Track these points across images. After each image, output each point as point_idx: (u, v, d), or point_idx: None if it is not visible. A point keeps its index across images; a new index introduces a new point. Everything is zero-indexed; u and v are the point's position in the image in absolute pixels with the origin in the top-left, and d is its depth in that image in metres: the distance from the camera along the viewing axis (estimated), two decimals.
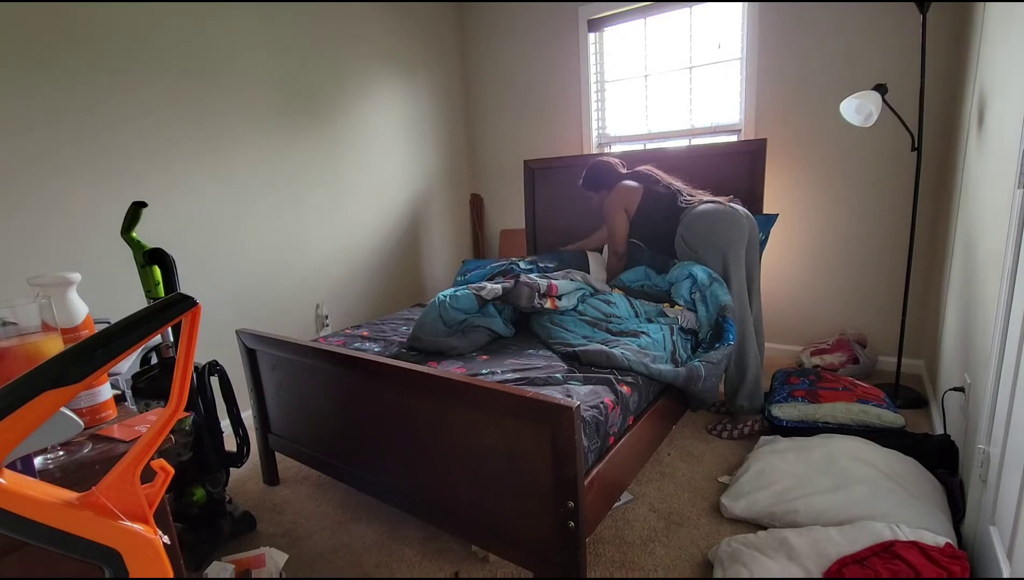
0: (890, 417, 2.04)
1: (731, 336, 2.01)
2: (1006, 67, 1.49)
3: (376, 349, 2.05)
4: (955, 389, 1.78)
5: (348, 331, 2.34)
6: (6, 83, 1.83)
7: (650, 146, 3.35)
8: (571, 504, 1.26)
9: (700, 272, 2.14)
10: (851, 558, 1.35)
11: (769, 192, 2.88)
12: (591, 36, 3.43)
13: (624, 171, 2.66)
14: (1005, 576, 1.16)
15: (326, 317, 3.04)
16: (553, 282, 2.20)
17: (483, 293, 2.13)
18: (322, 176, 2.98)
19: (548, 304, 2.12)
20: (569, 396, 1.49)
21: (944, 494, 1.63)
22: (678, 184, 2.51)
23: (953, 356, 1.95)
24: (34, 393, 0.54)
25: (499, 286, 2.17)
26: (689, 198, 2.41)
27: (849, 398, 2.14)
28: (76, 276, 1.08)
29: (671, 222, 2.39)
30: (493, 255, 4.12)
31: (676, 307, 2.21)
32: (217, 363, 1.76)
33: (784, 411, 2.17)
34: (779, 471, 1.77)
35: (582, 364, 1.78)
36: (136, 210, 1.62)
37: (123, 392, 1.42)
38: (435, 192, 3.81)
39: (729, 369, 2.22)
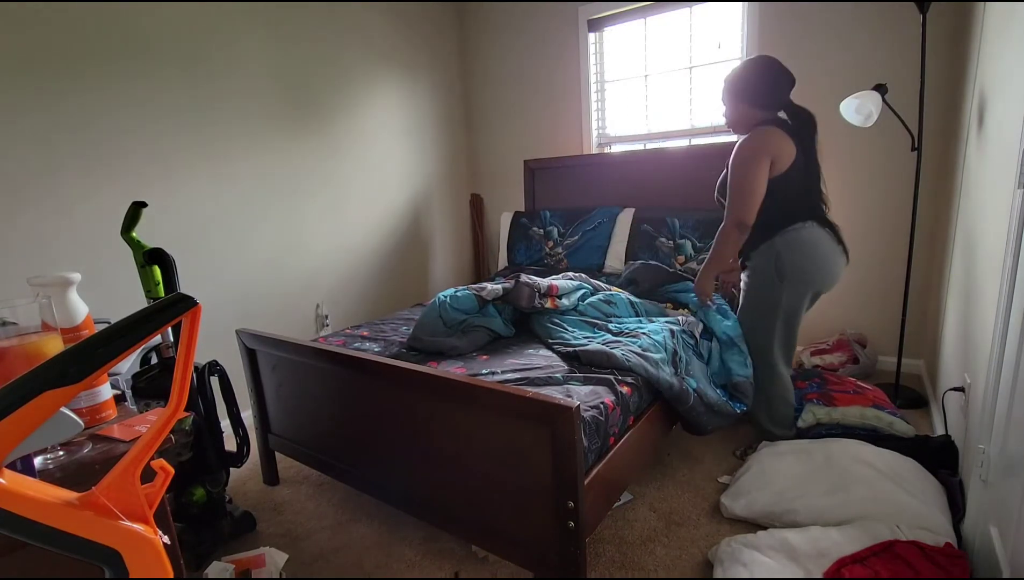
0: (902, 427, 2.00)
1: (738, 407, 1.92)
2: (1006, 67, 1.49)
3: (376, 349, 2.05)
4: (955, 389, 1.78)
5: (348, 331, 2.34)
6: (6, 83, 1.83)
7: (650, 146, 3.35)
8: (571, 504, 1.26)
9: (730, 331, 2.01)
10: (851, 558, 1.35)
11: None
12: (591, 36, 3.43)
13: (790, 99, 1.91)
14: (1005, 576, 1.16)
15: (326, 317, 3.04)
16: (553, 282, 2.20)
17: (483, 293, 2.13)
18: (322, 176, 2.98)
19: (548, 304, 2.11)
20: (569, 396, 1.49)
21: (944, 494, 1.63)
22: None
23: (953, 356, 1.95)
24: (34, 393, 0.54)
25: (499, 286, 2.17)
26: (824, 195, 1.93)
27: (864, 402, 2.11)
28: (76, 276, 1.08)
29: (773, 221, 1.87)
30: (493, 255, 4.12)
31: (681, 310, 2.20)
32: (217, 363, 1.76)
33: (803, 419, 2.11)
34: (779, 472, 1.77)
35: (582, 364, 1.78)
36: (136, 210, 1.63)
37: (123, 392, 1.42)
38: (435, 192, 3.81)
39: (760, 398, 2.04)
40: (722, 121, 2.04)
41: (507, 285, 2.16)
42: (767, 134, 1.84)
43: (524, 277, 2.19)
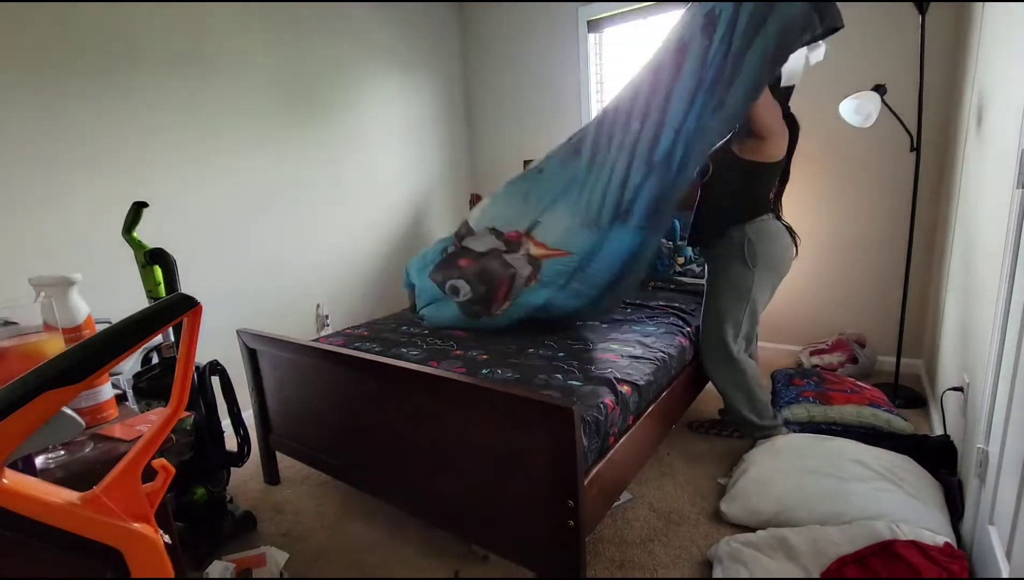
0: (899, 423, 2.02)
1: None
2: (1005, 67, 1.49)
3: (376, 349, 2.05)
4: (954, 389, 1.78)
5: (348, 331, 2.34)
6: (6, 82, 1.84)
7: None
8: (571, 504, 1.26)
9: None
10: (850, 557, 1.35)
11: None
12: (591, 37, 3.43)
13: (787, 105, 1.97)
14: (1004, 576, 1.16)
15: (326, 317, 3.04)
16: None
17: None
18: (323, 176, 2.98)
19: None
20: (569, 396, 1.49)
21: (942, 493, 1.63)
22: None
23: (952, 356, 1.95)
24: (35, 393, 0.54)
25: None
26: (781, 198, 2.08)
27: (860, 401, 2.12)
28: (77, 276, 1.08)
29: (747, 207, 1.94)
30: None
31: None
32: (218, 363, 1.76)
33: (794, 412, 2.15)
34: (776, 473, 1.76)
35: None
36: (137, 210, 1.63)
37: (124, 392, 1.42)
38: (435, 192, 3.81)
39: (733, 392, 2.09)
40: None
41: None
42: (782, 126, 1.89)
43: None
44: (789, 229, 2.04)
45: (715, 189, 2.02)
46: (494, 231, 2.03)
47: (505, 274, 1.90)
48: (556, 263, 1.91)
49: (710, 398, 2.61)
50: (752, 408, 2.08)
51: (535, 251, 1.92)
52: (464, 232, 2.13)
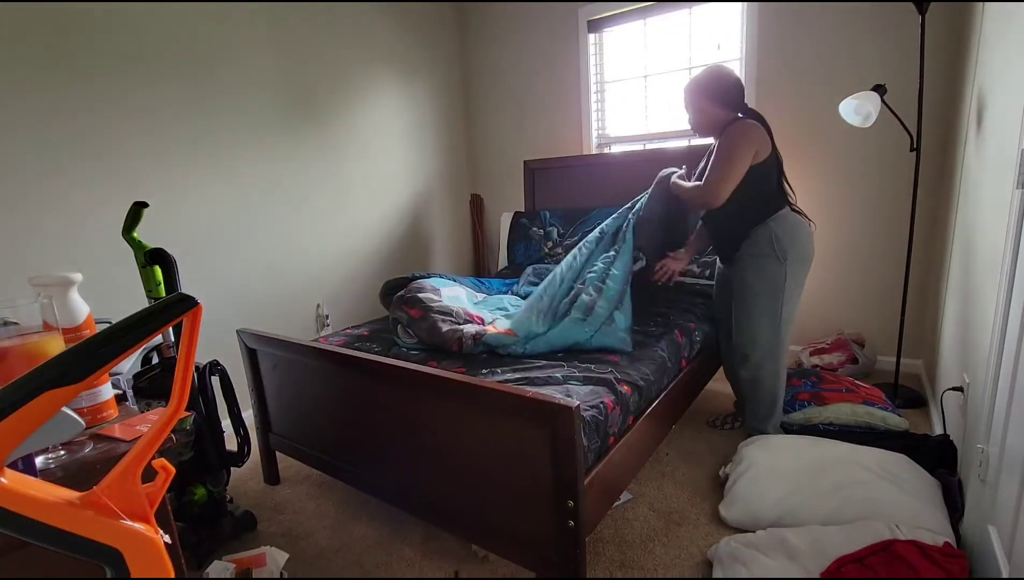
0: (895, 420, 2.03)
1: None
2: (1005, 67, 1.49)
3: (376, 349, 2.05)
4: (954, 389, 1.78)
5: (348, 331, 2.34)
6: (6, 83, 1.84)
7: (650, 146, 3.35)
8: (571, 503, 1.26)
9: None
10: (850, 557, 1.35)
11: None
12: (591, 37, 3.44)
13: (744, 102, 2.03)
14: (1004, 576, 1.16)
15: (327, 317, 3.04)
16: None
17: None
18: (323, 176, 2.98)
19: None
20: (569, 396, 1.49)
21: (941, 493, 1.63)
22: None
23: (952, 356, 1.95)
24: (35, 393, 0.54)
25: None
26: (790, 186, 2.05)
27: (855, 399, 2.13)
28: (77, 276, 1.08)
29: (763, 206, 1.95)
30: (493, 255, 4.12)
31: None
32: (218, 363, 1.76)
33: (791, 418, 2.17)
34: (775, 475, 1.76)
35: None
36: (137, 210, 1.63)
37: (124, 392, 1.42)
38: (435, 192, 3.82)
39: (762, 396, 2.08)
40: None
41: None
42: (753, 127, 1.90)
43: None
44: (802, 214, 2.03)
45: (725, 206, 1.94)
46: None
47: (452, 337, 1.94)
48: (499, 338, 1.93)
49: (714, 395, 2.61)
50: (772, 420, 2.09)
51: (485, 326, 2.04)
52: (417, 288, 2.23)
